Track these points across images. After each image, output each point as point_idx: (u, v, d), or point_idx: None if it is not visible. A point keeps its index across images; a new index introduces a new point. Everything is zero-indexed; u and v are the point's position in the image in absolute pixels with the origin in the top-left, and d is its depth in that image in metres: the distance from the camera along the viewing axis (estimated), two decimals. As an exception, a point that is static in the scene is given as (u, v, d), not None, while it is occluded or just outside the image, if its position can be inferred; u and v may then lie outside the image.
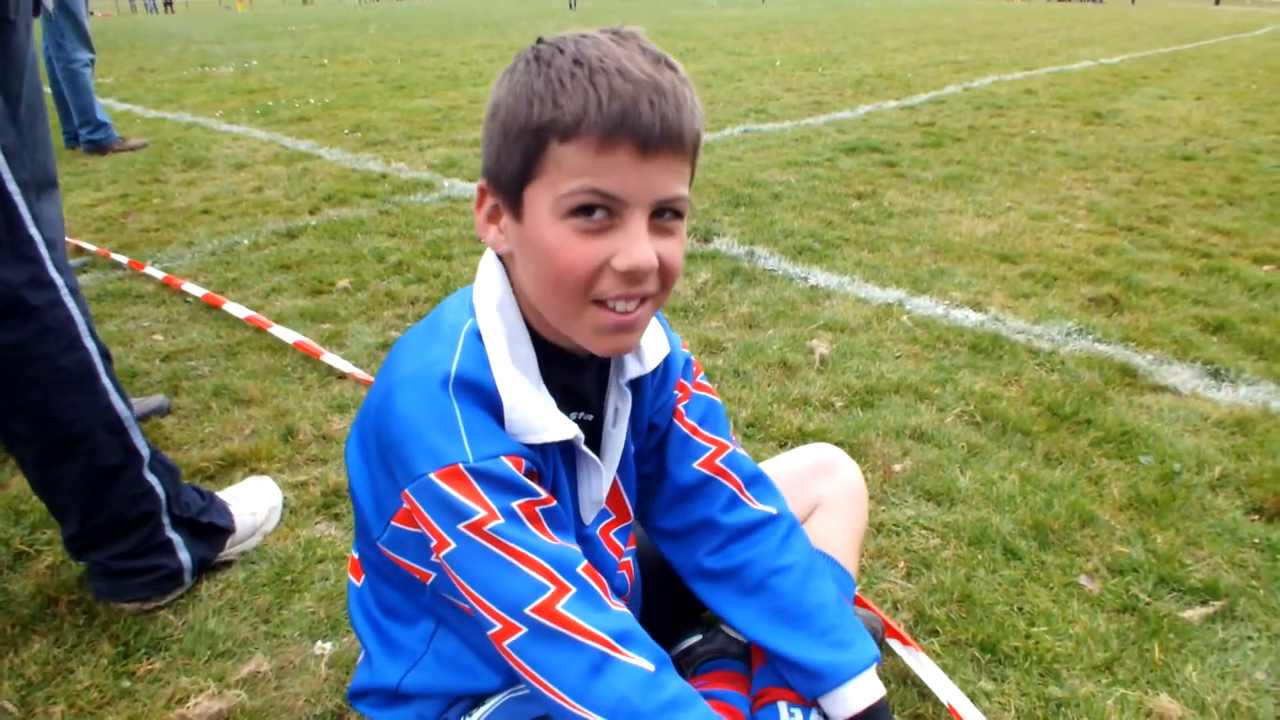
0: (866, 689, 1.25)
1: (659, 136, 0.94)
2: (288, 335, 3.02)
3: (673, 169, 0.97)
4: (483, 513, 0.99)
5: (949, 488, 2.19)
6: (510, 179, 0.99)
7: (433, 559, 1.05)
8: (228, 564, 1.93)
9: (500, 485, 1.00)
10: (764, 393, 2.68)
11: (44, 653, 1.68)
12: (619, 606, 1.06)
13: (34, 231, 1.55)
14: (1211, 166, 5.79)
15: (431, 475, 0.99)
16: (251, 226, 4.44)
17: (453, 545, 1.00)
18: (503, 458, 1.01)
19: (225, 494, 2.01)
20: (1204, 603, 1.82)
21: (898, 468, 2.28)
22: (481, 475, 0.99)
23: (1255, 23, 25.05)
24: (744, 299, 3.44)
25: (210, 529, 1.86)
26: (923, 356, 2.96)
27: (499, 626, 1.01)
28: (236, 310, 3.25)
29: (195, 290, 3.47)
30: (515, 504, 1.01)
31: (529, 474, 1.04)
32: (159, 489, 1.75)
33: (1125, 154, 6.14)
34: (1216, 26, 22.39)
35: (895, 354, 2.98)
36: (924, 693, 1.57)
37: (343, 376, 2.77)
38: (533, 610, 1.00)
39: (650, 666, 1.02)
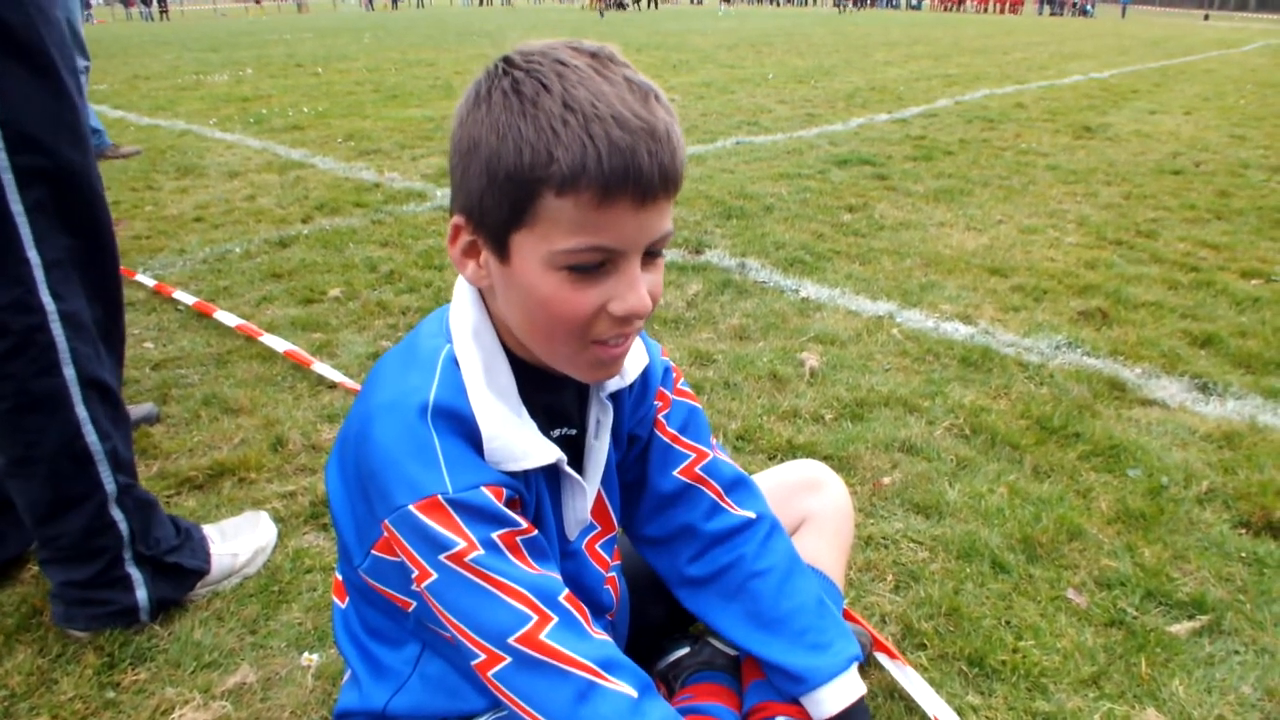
0: (844, 690, 1.26)
1: (657, 185, 0.92)
2: (278, 344, 3.02)
3: (664, 210, 0.96)
4: (463, 544, 0.98)
5: (938, 501, 2.19)
6: (496, 224, 0.96)
7: (414, 588, 1.04)
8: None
9: (480, 516, 1.00)
10: (754, 405, 2.68)
11: (28, 663, 1.67)
12: (600, 635, 1.06)
13: (32, 254, 1.53)
14: (1200, 181, 5.83)
15: (411, 507, 0.98)
16: (243, 235, 4.44)
17: (434, 576, 1.00)
18: (482, 488, 1.00)
19: (214, 528, 1.95)
20: (1191, 617, 1.82)
21: (887, 480, 2.28)
22: (461, 506, 0.99)
23: (1244, 38, 25.22)
24: (735, 311, 3.44)
25: (176, 570, 1.80)
26: (912, 369, 2.97)
27: (483, 656, 1.01)
28: (227, 319, 3.24)
29: (186, 298, 3.46)
30: (495, 535, 1.00)
31: (510, 503, 1.04)
32: (123, 525, 1.71)
33: (1115, 168, 6.18)
34: (1205, 41, 22.54)
35: (885, 367, 2.98)
36: (911, 707, 1.57)
37: (333, 386, 2.77)
38: (516, 640, 0.99)
39: (634, 693, 1.02)
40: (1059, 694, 1.62)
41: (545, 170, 0.90)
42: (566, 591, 1.05)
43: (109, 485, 1.68)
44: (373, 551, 1.07)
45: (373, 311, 3.41)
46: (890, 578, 1.93)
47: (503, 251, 0.97)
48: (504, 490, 1.03)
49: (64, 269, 1.58)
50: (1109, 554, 2.01)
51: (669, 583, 1.38)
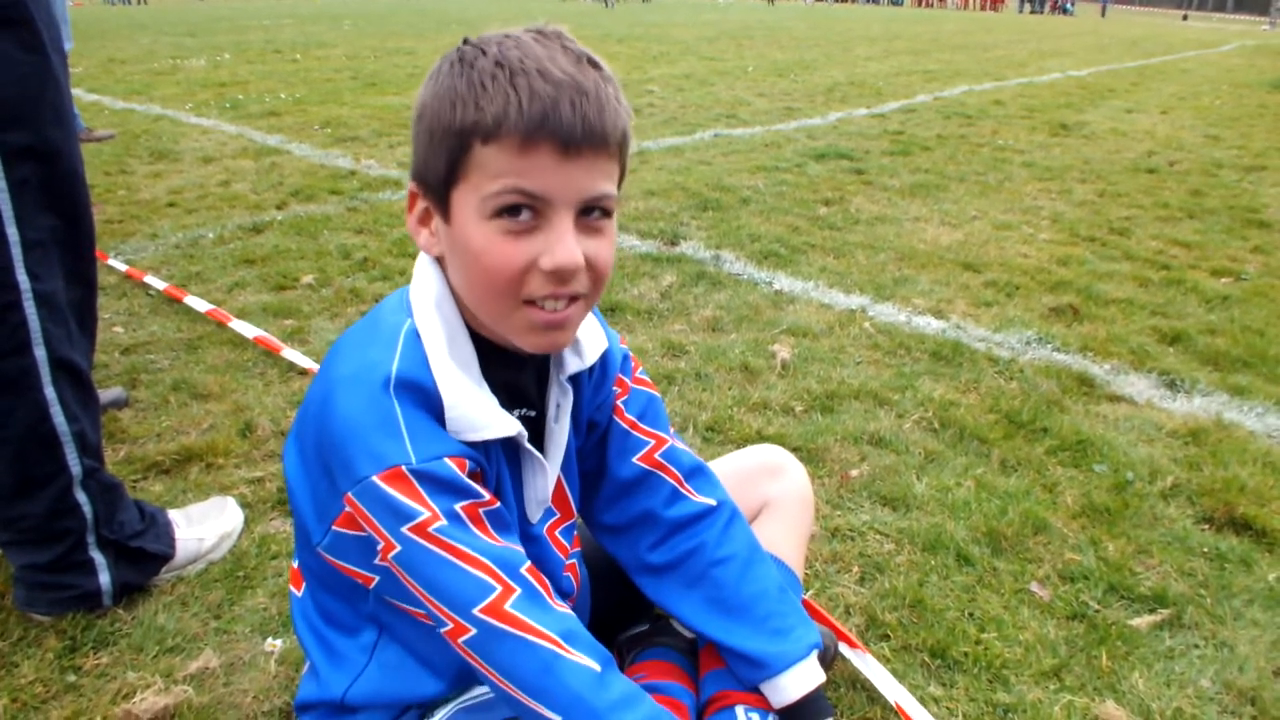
0: (804, 677, 1.27)
1: (580, 136, 0.94)
2: (248, 330, 3.00)
3: (598, 168, 0.98)
4: (426, 514, 0.99)
5: (905, 493, 2.21)
6: (437, 181, 1.00)
7: (376, 562, 1.04)
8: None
9: (443, 487, 1.00)
10: (724, 396, 2.69)
11: (-12, 647, 1.65)
12: (562, 607, 1.07)
13: (11, 231, 1.52)
14: (1174, 180, 5.88)
15: (374, 478, 0.98)
16: (217, 220, 4.40)
17: (398, 548, 1.00)
18: (445, 459, 1.01)
19: (179, 513, 1.94)
20: (1152, 611, 1.85)
21: (855, 473, 2.29)
22: (424, 477, 0.99)
23: (1220, 39, 25.45)
24: (708, 302, 3.45)
25: (140, 554, 1.79)
26: (883, 363, 2.98)
27: (450, 625, 1.02)
28: (198, 304, 3.22)
29: (157, 283, 3.43)
30: (458, 506, 1.01)
31: (472, 475, 1.04)
32: (87, 508, 1.70)
33: (1090, 166, 6.22)
34: (1183, 42, 22.73)
35: (856, 360, 3.00)
36: (873, 696, 1.58)
37: (303, 372, 2.75)
38: (481, 611, 1.00)
39: (596, 666, 1.03)
40: (1020, 685, 1.64)
41: (473, 120, 0.95)
42: (528, 564, 1.06)
43: (74, 468, 1.67)
44: (334, 527, 1.07)
45: (345, 299, 3.39)
46: (856, 569, 1.94)
47: (445, 211, 1.01)
48: (467, 462, 1.03)
49: (45, 249, 1.57)
50: (1073, 548, 2.03)
51: (629, 570, 1.38)
